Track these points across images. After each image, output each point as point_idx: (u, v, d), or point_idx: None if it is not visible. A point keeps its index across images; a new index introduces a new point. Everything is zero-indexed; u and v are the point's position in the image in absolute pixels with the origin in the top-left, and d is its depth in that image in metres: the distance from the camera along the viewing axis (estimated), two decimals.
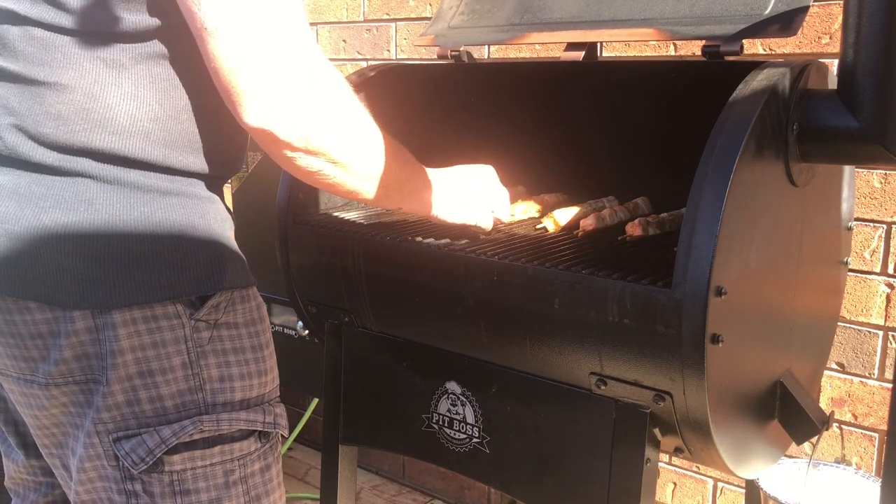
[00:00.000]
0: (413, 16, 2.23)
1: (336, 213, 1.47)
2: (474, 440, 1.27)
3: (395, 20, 2.28)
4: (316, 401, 2.45)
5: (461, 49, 1.54)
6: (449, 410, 1.29)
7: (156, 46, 0.85)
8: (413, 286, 1.26)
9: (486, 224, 1.23)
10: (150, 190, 0.86)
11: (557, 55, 1.49)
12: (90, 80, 0.83)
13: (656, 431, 1.10)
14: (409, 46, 2.25)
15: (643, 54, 1.85)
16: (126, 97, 0.84)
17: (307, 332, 1.58)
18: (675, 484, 1.97)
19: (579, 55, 1.43)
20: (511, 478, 1.24)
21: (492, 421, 1.25)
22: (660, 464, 1.68)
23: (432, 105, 1.59)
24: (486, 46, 2.09)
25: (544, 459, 1.20)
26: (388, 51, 2.30)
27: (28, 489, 1.04)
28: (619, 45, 1.87)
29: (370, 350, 1.39)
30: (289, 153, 0.86)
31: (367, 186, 0.97)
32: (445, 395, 1.29)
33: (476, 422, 1.26)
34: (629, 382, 1.07)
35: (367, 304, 1.34)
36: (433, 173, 1.13)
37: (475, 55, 1.61)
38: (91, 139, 0.83)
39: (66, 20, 0.82)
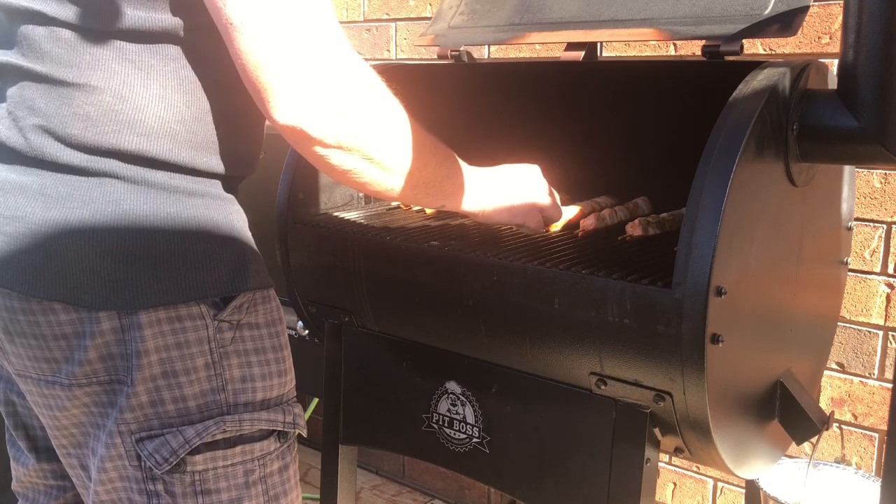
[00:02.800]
0: (413, 16, 2.23)
1: (336, 213, 1.47)
2: (474, 440, 1.27)
3: (395, 20, 2.28)
4: (316, 401, 2.45)
5: (461, 49, 1.54)
6: (449, 410, 1.29)
7: (183, 48, 0.85)
8: (413, 286, 1.26)
9: (535, 225, 1.20)
10: (175, 191, 0.86)
11: (557, 55, 1.49)
12: (119, 81, 0.83)
13: (656, 431, 1.10)
14: (409, 46, 2.25)
15: (643, 54, 1.85)
16: (154, 99, 0.84)
17: (307, 332, 1.58)
18: (675, 484, 1.97)
19: (579, 55, 1.43)
20: (511, 478, 1.24)
21: (492, 421, 1.25)
22: (660, 464, 1.68)
23: (432, 105, 1.58)
24: (486, 46, 2.09)
25: (544, 459, 1.20)
26: (388, 51, 2.30)
27: (38, 493, 1.04)
28: (619, 45, 1.87)
29: (370, 350, 1.39)
30: (321, 150, 0.85)
31: (403, 184, 0.95)
32: (445, 395, 1.29)
33: (476, 422, 1.26)
34: (629, 382, 1.07)
35: (367, 304, 1.34)
36: (475, 171, 1.10)
37: (475, 55, 1.61)
38: (120, 140, 0.83)
39: (93, 21, 0.81)
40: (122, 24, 0.82)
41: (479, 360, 1.25)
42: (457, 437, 1.29)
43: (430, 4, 2.19)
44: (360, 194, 1.56)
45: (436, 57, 1.56)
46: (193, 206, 0.87)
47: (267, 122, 0.97)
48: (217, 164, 0.90)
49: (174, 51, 0.85)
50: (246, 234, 0.93)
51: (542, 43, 1.81)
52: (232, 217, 0.91)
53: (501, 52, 2.08)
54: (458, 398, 1.28)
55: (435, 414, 1.31)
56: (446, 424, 1.30)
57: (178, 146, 0.86)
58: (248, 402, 0.90)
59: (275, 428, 0.92)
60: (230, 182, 0.93)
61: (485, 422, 1.26)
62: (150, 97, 0.84)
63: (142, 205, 0.84)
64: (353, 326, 1.39)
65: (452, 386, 1.29)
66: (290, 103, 0.80)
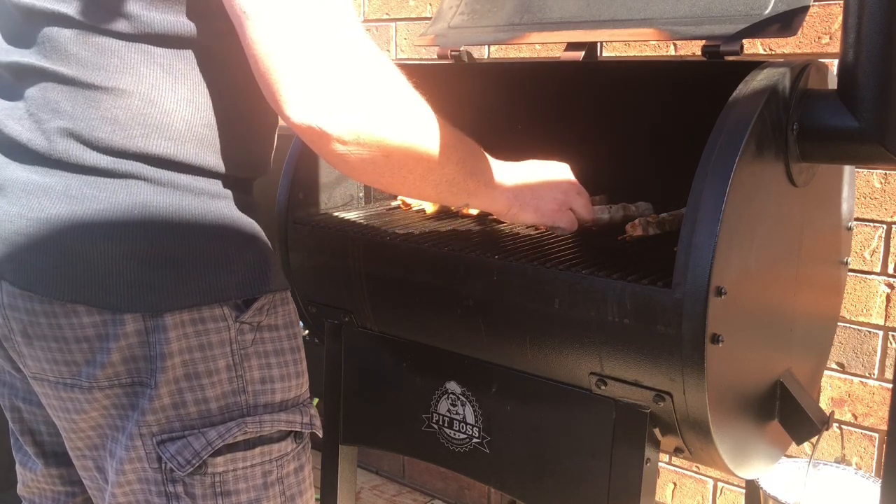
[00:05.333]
0: (413, 16, 2.23)
1: (336, 213, 1.47)
2: (474, 440, 1.27)
3: (395, 20, 2.28)
4: (316, 401, 2.45)
5: (461, 49, 1.54)
6: (449, 410, 1.29)
7: (206, 52, 0.85)
8: (413, 286, 1.26)
9: (567, 225, 1.16)
10: (200, 193, 0.85)
11: (557, 55, 1.49)
12: (148, 85, 0.82)
13: (656, 431, 1.10)
14: (409, 46, 2.25)
15: (643, 54, 1.85)
16: (182, 102, 0.84)
17: (307, 332, 1.58)
18: (675, 484, 1.97)
19: (579, 55, 1.43)
20: (511, 478, 1.24)
21: (492, 421, 1.25)
22: (660, 464, 1.68)
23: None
24: (486, 46, 2.09)
25: (544, 459, 1.20)
26: (388, 51, 2.30)
27: (45, 498, 1.03)
28: (619, 45, 1.87)
29: (370, 350, 1.39)
30: (340, 148, 0.81)
31: (426, 181, 0.92)
32: (445, 395, 1.29)
33: (476, 422, 1.26)
34: (629, 382, 1.07)
35: (367, 304, 1.34)
36: (504, 168, 1.06)
37: (475, 55, 1.61)
38: (148, 144, 0.82)
39: (122, 25, 0.81)
40: (150, 29, 0.81)
41: (479, 360, 1.25)
42: (457, 437, 1.29)
43: (430, 4, 2.19)
44: (361, 194, 1.56)
45: (436, 57, 1.56)
46: (217, 207, 0.86)
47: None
48: (237, 167, 0.90)
49: (198, 55, 0.84)
50: (264, 235, 0.93)
51: (542, 43, 1.81)
52: (253, 218, 0.91)
53: (501, 52, 2.08)
54: (458, 398, 1.28)
55: (435, 414, 1.31)
56: (446, 424, 1.30)
57: (203, 150, 0.85)
58: (268, 404, 0.90)
59: (293, 429, 0.92)
60: (248, 184, 0.93)
61: (485, 422, 1.25)
62: (178, 101, 0.83)
63: (168, 206, 0.83)
64: (353, 326, 1.39)
65: (452, 386, 1.29)
66: (303, 99, 0.77)
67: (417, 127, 0.87)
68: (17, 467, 1.05)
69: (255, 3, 0.76)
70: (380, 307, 1.33)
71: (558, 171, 1.17)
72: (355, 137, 0.81)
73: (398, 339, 1.34)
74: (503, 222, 1.39)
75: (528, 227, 1.33)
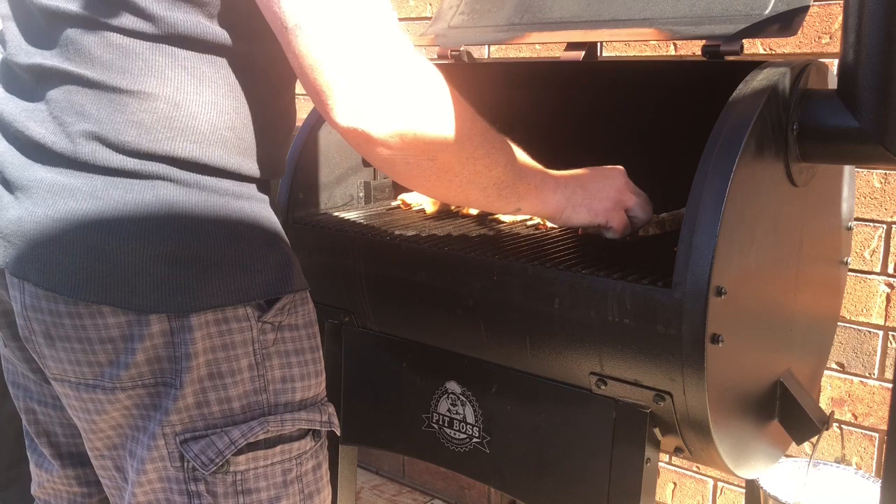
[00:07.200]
0: (413, 16, 2.23)
1: (336, 213, 1.47)
2: (474, 440, 1.27)
3: None
4: None
5: (461, 49, 1.54)
6: (449, 410, 1.29)
7: (231, 55, 0.85)
8: (413, 286, 1.26)
9: (619, 225, 1.14)
10: (226, 194, 0.86)
11: (557, 55, 1.49)
12: (173, 88, 0.83)
13: (656, 431, 1.10)
14: None
15: (643, 54, 1.85)
16: (207, 106, 0.84)
17: None
18: (675, 484, 1.97)
19: (579, 55, 1.43)
20: (511, 477, 1.24)
21: (492, 421, 1.25)
22: (660, 464, 1.68)
23: None
24: (486, 46, 2.09)
25: (544, 459, 1.20)
26: None
27: (60, 499, 1.04)
28: (619, 45, 1.87)
29: (370, 350, 1.39)
30: (385, 152, 0.83)
31: (474, 185, 0.93)
32: (445, 395, 1.29)
33: (476, 422, 1.26)
34: (629, 382, 1.07)
35: (367, 304, 1.34)
36: (551, 171, 1.06)
37: (475, 55, 1.61)
38: (173, 147, 0.83)
39: (146, 27, 0.81)
40: (174, 31, 0.81)
41: (479, 360, 1.25)
42: (457, 436, 1.29)
43: (430, 4, 2.19)
44: (361, 194, 1.56)
45: (436, 57, 1.56)
46: (242, 208, 0.87)
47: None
48: (259, 169, 0.90)
49: (226, 58, 0.85)
50: (285, 235, 0.93)
51: (542, 43, 1.81)
52: (272, 219, 0.92)
53: (501, 52, 2.08)
54: (458, 398, 1.28)
55: (435, 414, 1.31)
56: (446, 424, 1.30)
57: (227, 152, 0.86)
58: (288, 403, 0.91)
59: (312, 427, 0.93)
60: (267, 185, 0.94)
61: (485, 422, 1.26)
62: (202, 104, 0.84)
63: (194, 207, 0.84)
64: (353, 326, 1.39)
65: (452, 386, 1.29)
66: (350, 105, 0.79)
67: (461, 131, 0.88)
68: (32, 468, 1.05)
69: (297, 16, 0.77)
70: (380, 307, 1.33)
71: (612, 173, 1.15)
72: (399, 141, 0.82)
73: (398, 339, 1.34)
74: (503, 222, 1.39)
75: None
